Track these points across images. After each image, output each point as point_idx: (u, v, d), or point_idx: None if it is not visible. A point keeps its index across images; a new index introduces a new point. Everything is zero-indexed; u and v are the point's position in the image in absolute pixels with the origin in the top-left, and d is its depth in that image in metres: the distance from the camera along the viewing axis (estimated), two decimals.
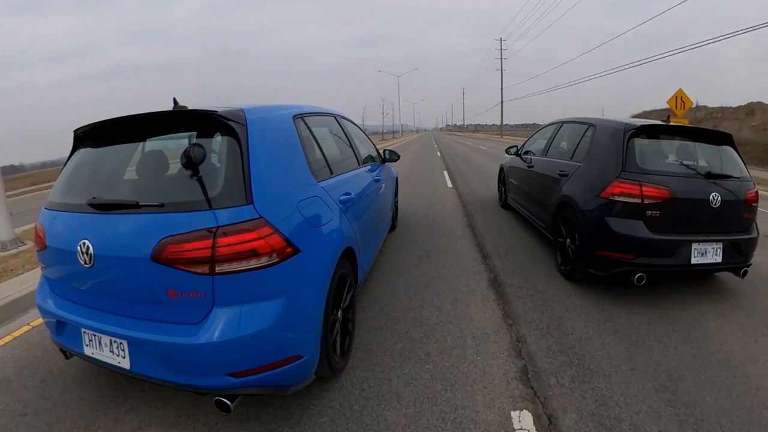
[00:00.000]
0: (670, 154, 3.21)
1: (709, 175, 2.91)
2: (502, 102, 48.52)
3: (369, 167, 3.46)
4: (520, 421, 1.77)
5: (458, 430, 1.74)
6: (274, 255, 1.57)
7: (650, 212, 2.79)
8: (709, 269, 2.96)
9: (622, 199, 2.85)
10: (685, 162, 3.11)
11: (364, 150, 3.67)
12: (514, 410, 1.84)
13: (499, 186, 6.56)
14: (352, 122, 3.71)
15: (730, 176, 2.98)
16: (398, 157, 4.38)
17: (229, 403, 1.56)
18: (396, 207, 5.01)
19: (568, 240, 3.35)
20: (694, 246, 2.79)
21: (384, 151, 4.29)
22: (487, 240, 4.54)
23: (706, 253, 2.81)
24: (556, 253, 3.61)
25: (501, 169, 6.39)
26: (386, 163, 4.26)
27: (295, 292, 1.66)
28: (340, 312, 2.11)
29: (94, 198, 1.70)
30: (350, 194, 2.50)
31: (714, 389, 1.99)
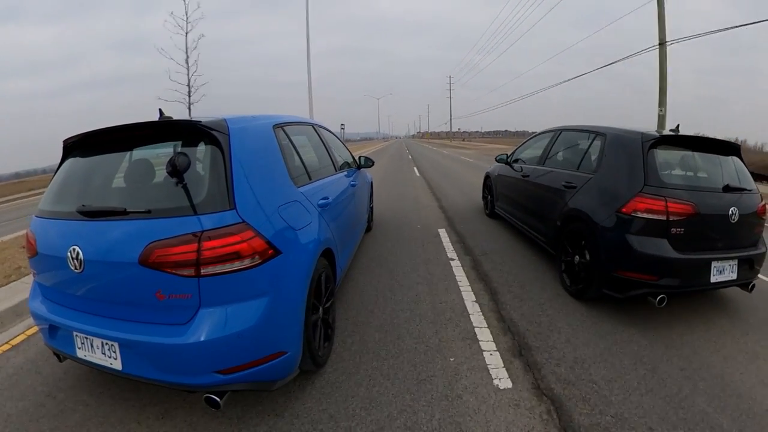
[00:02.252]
0: (684, 166, 3.03)
1: (727, 189, 2.79)
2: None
3: (345, 173, 3.61)
4: None
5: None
6: (257, 257, 1.65)
7: (675, 229, 2.60)
8: (724, 286, 2.84)
9: (645, 215, 2.63)
10: (701, 174, 2.95)
11: (341, 157, 3.84)
12: None
13: (484, 194, 6.40)
14: (329, 131, 3.89)
15: (744, 189, 2.88)
16: (373, 163, 4.62)
17: (218, 399, 1.63)
18: (371, 210, 5.30)
19: (577, 257, 3.10)
20: (714, 264, 2.65)
21: (359, 157, 4.53)
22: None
23: (724, 270, 2.70)
24: (562, 270, 3.35)
25: (487, 177, 6.21)
26: (361, 169, 4.48)
27: (278, 291, 1.74)
28: (320, 309, 2.19)
29: (83, 205, 1.76)
30: (328, 198, 2.60)
31: None
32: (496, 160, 5.62)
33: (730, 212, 2.70)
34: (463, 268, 3.80)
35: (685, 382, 2.10)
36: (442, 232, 5.12)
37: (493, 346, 2.44)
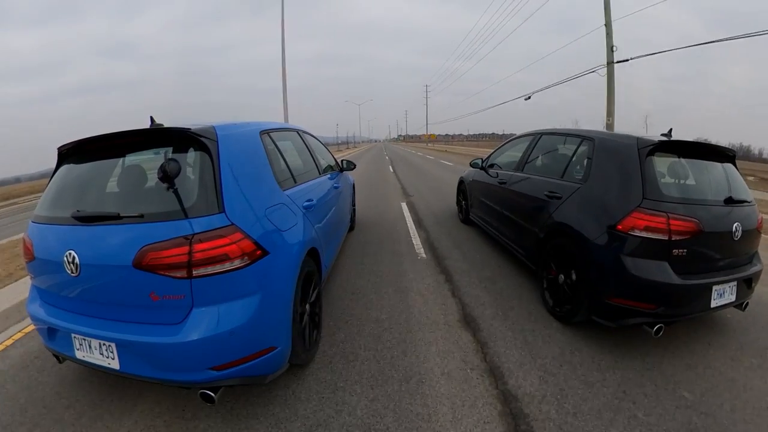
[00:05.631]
0: (681, 175, 2.64)
1: (729, 201, 2.47)
2: None
3: (329, 176, 3.74)
4: None
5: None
6: (246, 258, 1.72)
7: (677, 251, 2.26)
8: (722, 309, 2.50)
9: (645, 234, 2.27)
10: (700, 186, 2.58)
11: (324, 161, 3.98)
12: None
13: (458, 199, 6.07)
14: (313, 136, 4.01)
15: (745, 201, 2.56)
16: (354, 166, 4.78)
17: (213, 394, 1.71)
18: (354, 210, 5.49)
19: (562, 276, 2.75)
20: (715, 288, 2.33)
21: (342, 161, 4.69)
22: None
23: (724, 293, 2.39)
24: (544, 289, 3.00)
25: (461, 182, 5.87)
26: (344, 172, 4.65)
27: (267, 289, 1.81)
28: (307, 305, 2.28)
29: (78, 211, 1.81)
30: (312, 200, 2.70)
31: None
32: (471, 165, 5.38)
33: (734, 228, 2.38)
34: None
35: None
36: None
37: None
